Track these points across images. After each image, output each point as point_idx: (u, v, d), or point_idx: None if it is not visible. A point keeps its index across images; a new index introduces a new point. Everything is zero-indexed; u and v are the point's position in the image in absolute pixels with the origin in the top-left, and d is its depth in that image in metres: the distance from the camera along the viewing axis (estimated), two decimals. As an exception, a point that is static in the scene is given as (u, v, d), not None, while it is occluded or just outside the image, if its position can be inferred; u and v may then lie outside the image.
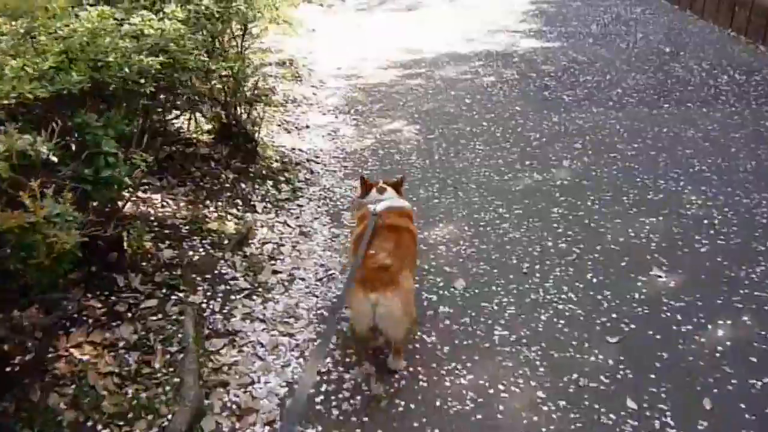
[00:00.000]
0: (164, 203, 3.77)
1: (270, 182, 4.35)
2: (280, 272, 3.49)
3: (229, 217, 3.83)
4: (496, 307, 3.24)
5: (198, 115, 4.44)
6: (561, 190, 4.37)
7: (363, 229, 2.83)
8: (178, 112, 4.20)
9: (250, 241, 3.69)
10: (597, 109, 5.74)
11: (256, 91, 5.01)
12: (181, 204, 3.81)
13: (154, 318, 2.95)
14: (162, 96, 3.08)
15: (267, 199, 4.17)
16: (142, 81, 2.59)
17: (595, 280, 3.43)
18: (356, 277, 2.52)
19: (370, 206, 2.98)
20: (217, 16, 3.49)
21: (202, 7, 3.55)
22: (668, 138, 5.15)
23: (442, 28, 8.75)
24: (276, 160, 4.66)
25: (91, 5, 3.35)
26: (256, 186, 4.26)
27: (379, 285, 2.48)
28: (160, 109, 3.64)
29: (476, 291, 3.37)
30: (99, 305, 2.94)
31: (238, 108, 4.43)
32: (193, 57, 3.04)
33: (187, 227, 3.62)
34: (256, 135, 4.57)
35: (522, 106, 5.84)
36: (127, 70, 2.44)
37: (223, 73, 3.93)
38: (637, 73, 6.63)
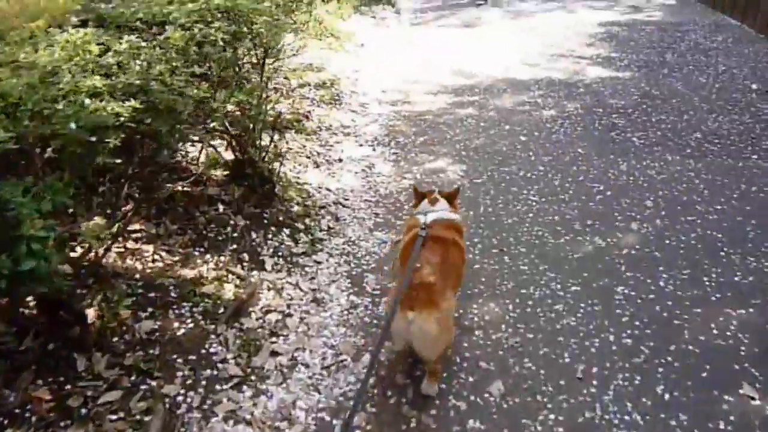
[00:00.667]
0: (156, 256, 3.22)
1: (286, 231, 3.77)
2: (281, 354, 2.90)
3: (230, 277, 3.26)
4: (540, 427, 2.58)
5: (211, 147, 3.89)
6: (627, 262, 3.66)
7: (410, 239, 2.84)
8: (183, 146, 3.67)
9: (250, 309, 3.11)
10: (672, 157, 4.99)
11: (281, 120, 4.46)
12: (177, 258, 3.26)
13: (113, 418, 2.39)
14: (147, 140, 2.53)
15: (279, 253, 3.59)
16: (100, 137, 2.02)
17: (667, 396, 2.73)
18: (397, 292, 2.54)
19: (420, 216, 2.97)
20: (222, 44, 2.91)
21: (212, 31, 2.99)
22: (758, 200, 4.38)
23: (501, 48, 8.07)
24: (297, 203, 4.08)
25: (77, 26, 2.84)
26: (269, 236, 3.69)
27: (418, 303, 2.47)
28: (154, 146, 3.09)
29: (517, 400, 2.71)
30: (48, 397, 2.40)
31: (256, 143, 3.86)
32: (183, 99, 2.47)
33: (177, 290, 3.06)
34: (276, 173, 4.00)
35: (585, 149, 5.13)
36: (73, 125, 1.88)
37: (230, 107, 3.35)
38: (720, 114, 5.84)
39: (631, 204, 4.31)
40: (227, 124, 3.51)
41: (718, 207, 4.28)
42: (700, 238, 3.91)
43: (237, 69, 3.45)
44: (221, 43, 2.88)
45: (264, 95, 3.78)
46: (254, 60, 3.76)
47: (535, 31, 8.97)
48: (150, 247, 3.25)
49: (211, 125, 3.11)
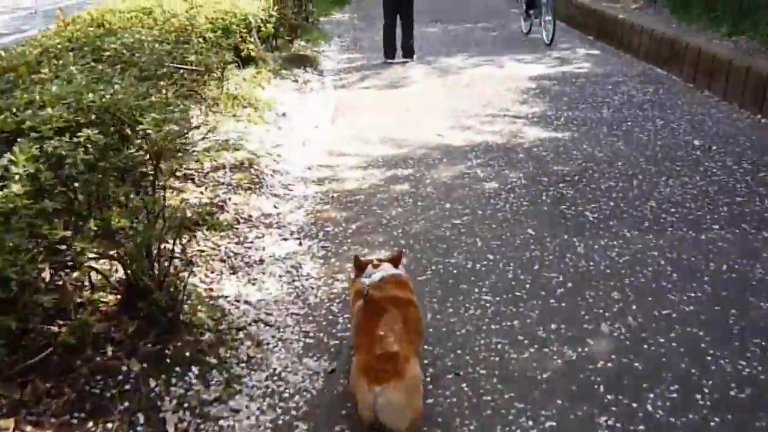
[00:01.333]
0: (17, 435, 2.46)
1: (194, 370, 3.06)
2: None
3: (117, 455, 2.52)
4: None
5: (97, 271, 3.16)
6: (605, 380, 3.10)
7: (361, 306, 2.80)
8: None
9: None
10: (631, 233, 4.53)
11: (190, 217, 3.78)
12: (47, 433, 2.50)
13: None
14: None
15: (186, 404, 2.87)
16: None
17: None
18: (360, 365, 2.53)
19: (364, 280, 2.92)
20: (82, 169, 2.24)
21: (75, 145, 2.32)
22: (732, 281, 3.94)
23: (432, 109, 7.62)
24: (209, 328, 3.37)
25: None
26: (173, 380, 2.97)
27: (383, 376, 2.42)
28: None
29: None
30: None
31: (153, 266, 3.15)
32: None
33: (43, 487, 2.30)
34: (182, 292, 3.30)
35: (536, 228, 4.63)
36: None
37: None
38: (670, 177, 5.47)
39: (596, 298, 3.78)
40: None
41: (692, 295, 3.80)
42: (681, 339, 3.40)
43: (108, 193, 2.75)
44: (81, 166, 2.20)
45: (158, 209, 3.09)
46: (145, 168, 3.08)
47: (466, 89, 8.59)
48: (10, 422, 2.48)
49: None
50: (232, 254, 4.18)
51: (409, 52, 10.31)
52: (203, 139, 4.69)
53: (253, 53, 7.55)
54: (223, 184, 5.07)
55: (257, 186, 5.24)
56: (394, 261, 3.15)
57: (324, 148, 6.39)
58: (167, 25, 6.51)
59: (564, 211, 4.89)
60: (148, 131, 2.75)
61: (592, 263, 4.16)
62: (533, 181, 5.44)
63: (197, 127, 4.53)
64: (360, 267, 3.10)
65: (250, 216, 4.72)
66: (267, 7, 8.09)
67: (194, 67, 4.47)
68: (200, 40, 6.48)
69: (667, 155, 6.00)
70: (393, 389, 2.41)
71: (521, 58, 10.63)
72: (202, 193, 4.85)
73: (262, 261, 4.18)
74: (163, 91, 3.55)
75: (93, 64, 4.07)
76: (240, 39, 7.19)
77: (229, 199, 4.84)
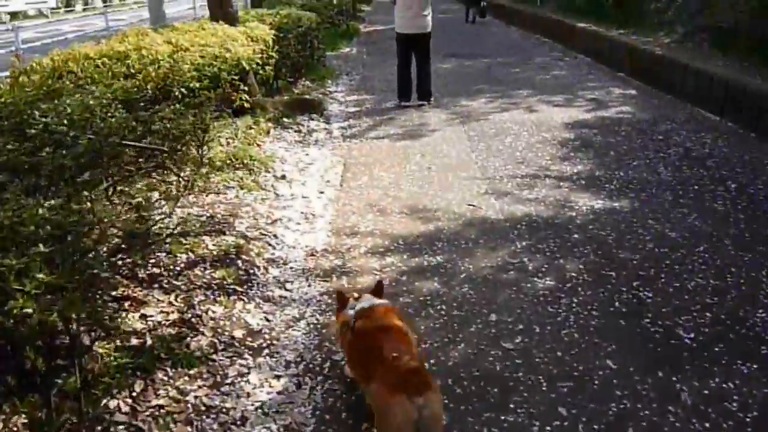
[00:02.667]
0: None
1: None
2: None
3: None
4: None
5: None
6: None
7: (357, 337, 2.82)
8: None
9: None
10: (746, 367, 3.32)
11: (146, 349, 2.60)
12: None
13: None
14: None
15: None
16: None
17: None
18: (390, 383, 2.43)
19: (349, 311, 2.94)
20: None
21: None
22: None
23: (459, 168, 6.47)
24: None
25: None
26: None
27: (419, 389, 2.39)
28: None
29: None
30: None
31: None
32: None
33: None
34: None
35: (616, 358, 3.42)
36: None
37: None
38: (772, 270, 4.27)
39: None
40: None
41: None
42: None
43: None
44: None
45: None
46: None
47: (494, 140, 7.44)
48: None
49: None
50: (203, 409, 2.98)
51: (425, 95, 9.20)
52: (176, 227, 3.55)
53: (247, 105, 6.42)
54: (200, 287, 3.89)
55: (245, 287, 4.06)
56: (377, 292, 3.14)
57: (331, 223, 5.23)
58: (144, 74, 5.41)
59: (648, 328, 3.69)
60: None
61: (707, 423, 2.94)
62: (599, 278, 4.24)
63: (163, 218, 3.39)
64: (343, 300, 3.09)
65: (233, 338, 3.53)
66: (265, 48, 6.97)
67: (155, 147, 3.32)
68: (182, 91, 5.37)
69: (757, 235, 4.81)
70: (432, 400, 2.42)
71: (550, 99, 9.52)
72: (171, 303, 3.67)
73: (244, 420, 2.97)
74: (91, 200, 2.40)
75: (10, 146, 2.94)
76: (231, 88, 6.06)
77: (207, 312, 3.65)
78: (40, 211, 2.29)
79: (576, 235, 4.88)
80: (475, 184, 6.03)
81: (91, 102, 3.48)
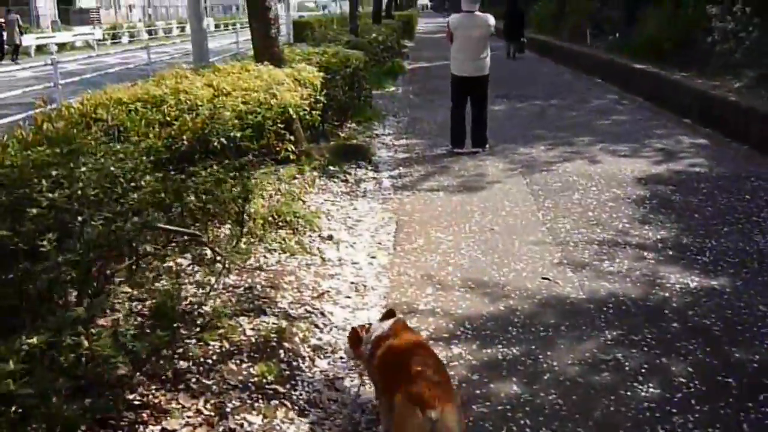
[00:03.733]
0: None
1: None
2: None
3: None
4: None
5: None
6: None
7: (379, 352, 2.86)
8: None
9: None
10: None
11: None
12: None
13: None
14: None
15: None
16: None
17: None
18: (408, 397, 2.45)
19: (379, 329, 2.99)
20: None
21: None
22: None
23: (525, 230, 5.77)
24: None
25: None
26: None
27: (436, 402, 2.39)
28: None
29: None
30: None
31: None
32: None
33: None
34: None
35: None
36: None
37: None
38: None
39: None
40: None
41: None
42: None
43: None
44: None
45: None
46: None
47: (561, 196, 6.73)
48: None
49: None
50: None
51: (480, 141, 8.55)
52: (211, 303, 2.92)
53: (292, 156, 5.82)
54: (234, 387, 3.23)
55: (288, 386, 3.39)
56: (388, 316, 3.14)
57: (385, 298, 4.56)
58: (180, 122, 4.85)
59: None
60: None
61: None
62: (715, 387, 3.48)
63: (188, 312, 2.77)
64: (356, 338, 3.12)
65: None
66: (313, 92, 6.39)
67: (187, 231, 2.70)
68: (222, 141, 4.79)
69: None
70: (449, 412, 2.41)
71: (615, 148, 8.80)
72: (199, 411, 3.02)
73: None
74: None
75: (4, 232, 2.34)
76: (276, 138, 5.48)
77: (242, 424, 2.98)
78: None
79: (675, 324, 4.12)
80: (547, 251, 5.31)
81: (112, 168, 2.87)
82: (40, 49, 28.27)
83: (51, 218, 2.45)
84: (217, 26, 48.49)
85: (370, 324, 3.17)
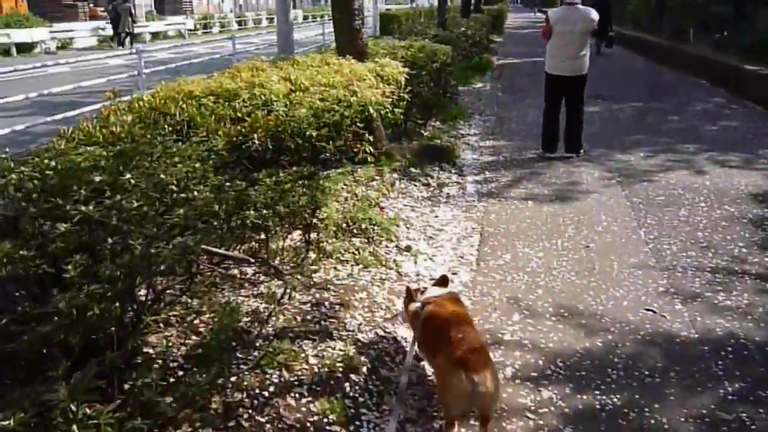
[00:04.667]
0: None
1: None
2: None
3: None
4: None
5: None
6: None
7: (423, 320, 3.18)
8: None
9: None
10: None
11: None
12: None
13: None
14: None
15: None
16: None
17: None
18: (453, 360, 2.78)
19: (416, 303, 3.31)
20: None
21: None
22: None
23: (625, 249, 5.18)
24: None
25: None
26: None
27: (478, 366, 2.74)
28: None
29: None
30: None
31: None
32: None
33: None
34: None
35: None
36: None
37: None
38: None
39: None
40: None
41: None
42: None
43: None
44: None
45: None
46: None
47: (665, 211, 6.05)
48: None
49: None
50: None
51: (575, 146, 7.91)
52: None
53: (370, 159, 5.40)
54: (290, 428, 2.83)
55: (350, 427, 2.96)
56: (442, 282, 3.49)
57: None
58: (252, 118, 4.51)
59: None
60: None
61: None
62: None
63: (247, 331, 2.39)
64: (410, 295, 3.43)
65: None
66: (396, 90, 5.95)
67: (242, 257, 2.31)
68: (297, 141, 4.42)
69: None
70: (488, 377, 2.74)
71: (724, 158, 7.98)
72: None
73: None
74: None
75: (24, 252, 2.01)
76: (355, 137, 5.08)
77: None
78: None
79: (812, 379, 3.46)
80: (650, 276, 4.69)
81: (162, 176, 2.51)
82: (135, 37, 29.02)
83: (84, 235, 2.08)
84: (305, 17, 48.80)
85: (425, 288, 3.50)
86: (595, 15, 7.52)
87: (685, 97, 12.85)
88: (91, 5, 34.85)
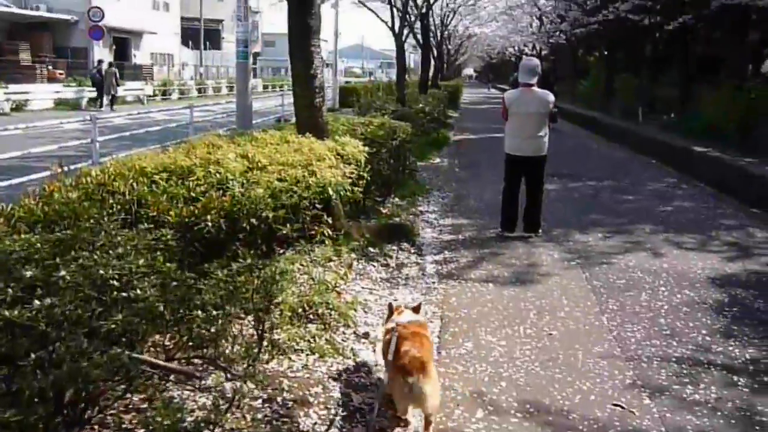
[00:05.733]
0: None
1: None
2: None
3: None
4: None
5: None
6: None
7: (390, 337, 3.69)
8: None
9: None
10: None
11: None
12: None
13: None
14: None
15: None
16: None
17: None
18: (395, 369, 3.43)
19: (394, 321, 3.85)
20: None
21: None
22: None
23: (589, 338, 5.05)
24: None
25: None
26: None
27: (414, 372, 3.33)
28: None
29: None
30: None
31: None
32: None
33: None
34: None
35: None
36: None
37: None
38: None
39: None
40: None
41: None
42: None
43: None
44: None
45: None
46: None
47: (626, 296, 5.99)
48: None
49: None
50: None
51: (533, 226, 7.89)
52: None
53: (327, 243, 5.23)
54: None
55: None
56: (416, 309, 4.14)
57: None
58: (205, 199, 4.32)
59: None
60: None
61: None
62: None
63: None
64: (392, 311, 4.08)
65: None
66: (356, 169, 5.85)
67: (182, 369, 2.09)
68: (252, 222, 4.23)
69: None
70: (422, 379, 3.32)
71: (680, 240, 8.06)
72: None
73: None
74: None
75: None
76: (313, 220, 4.91)
77: None
78: None
79: (788, 483, 3.31)
80: (616, 367, 4.56)
81: (102, 272, 2.29)
82: (93, 102, 28.83)
83: (6, 345, 1.84)
84: (265, 87, 49.33)
85: (405, 307, 4.12)
86: (551, 98, 7.62)
87: (638, 176, 13.13)
88: (50, 67, 34.66)
